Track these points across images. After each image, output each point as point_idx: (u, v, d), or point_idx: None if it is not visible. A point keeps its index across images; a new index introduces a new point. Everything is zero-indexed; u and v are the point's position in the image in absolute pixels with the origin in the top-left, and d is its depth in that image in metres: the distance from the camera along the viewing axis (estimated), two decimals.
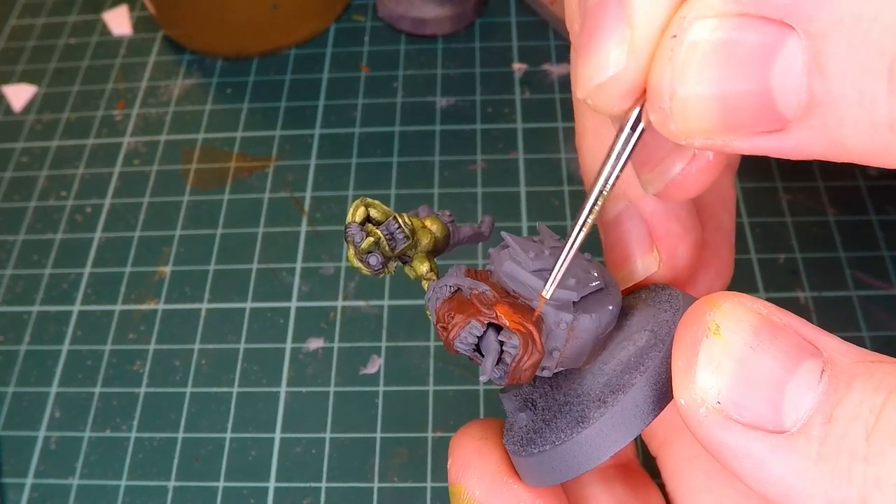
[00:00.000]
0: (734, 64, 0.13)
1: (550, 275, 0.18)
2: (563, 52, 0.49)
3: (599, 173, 0.17)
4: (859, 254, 0.39)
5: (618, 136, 0.16)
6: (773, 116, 0.13)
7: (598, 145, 0.21)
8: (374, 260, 0.20)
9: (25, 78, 0.51)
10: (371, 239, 0.20)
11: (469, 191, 0.43)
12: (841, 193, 0.41)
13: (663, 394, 0.17)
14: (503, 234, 0.20)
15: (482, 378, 0.18)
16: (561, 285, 0.18)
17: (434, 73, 0.48)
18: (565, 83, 0.47)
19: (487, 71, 0.48)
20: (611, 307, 0.19)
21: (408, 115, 0.47)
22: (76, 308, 0.41)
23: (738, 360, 0.15)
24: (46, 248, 0.43)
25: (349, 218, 0.20)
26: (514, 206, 0.42)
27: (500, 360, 0.18)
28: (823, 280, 0.38)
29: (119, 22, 0.54)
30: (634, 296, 0.21)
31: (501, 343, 0.18)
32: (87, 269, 0.42)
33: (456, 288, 0.19)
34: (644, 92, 0.15)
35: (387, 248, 0.20)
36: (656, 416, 0.17)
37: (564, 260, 0.18)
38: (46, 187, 0.46)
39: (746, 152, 0.14)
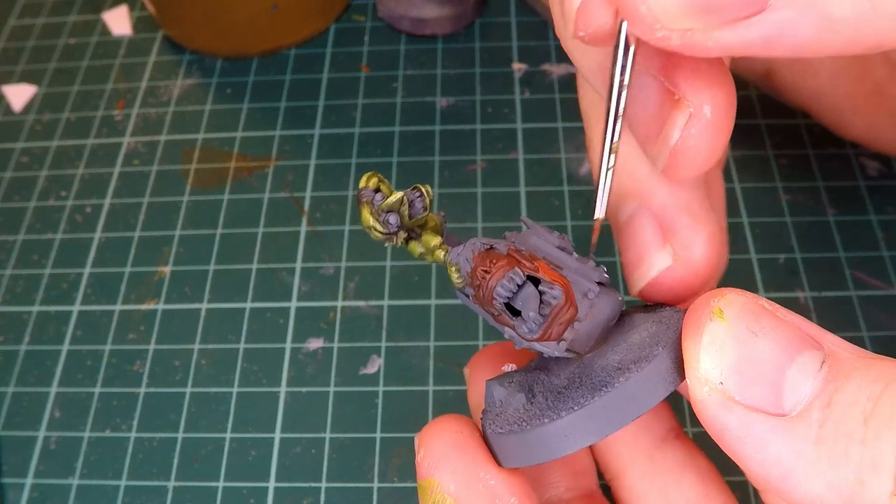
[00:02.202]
0: None
1: (571, 250, 0.19)
2: (563, 52, 0.49)
3: (609, 93, 0.16)
4: (859, 254, 0.39)
5: (615, 52, 0.16)
6: None
7: (587, 52, 0.21)
8: (393, 219, 0.20)
9: (25, 78, 0.51)
10: (400, 194, 0.19)
11: (469, 191, 0.43)
12: (841, 193, 0.41)
13: (680, 369, 0.18)
14: (523, 218, 0.21)
15: (521, 329, 0.18)
16: (581, 261, 0.19)
17: (434, 73, 0.48)
18: (565, 83, 0.47)
19: (487, 71, 0.48)
20: (618, 297, 0.20)
21: (408, 115, 0.47)
22: (76, 308, 0.41)
23: (740, 343, 0.16)
24: (46, 248, 0.43)
25: (362, 184, 0.20)
26: (514, 206, 0.42)
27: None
28: (823, 280, 0.38)
29: (119, 22, 0.54)
30: (631, 308, 0.22)
31: (541, 294, 0.18)
32: (87, 269, 0.42)
33: (489, 246, 0.19)
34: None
35: (406, 213, 0.20)
36: (676, 386, 0.17)
37: (605, 179, 0.18)
38: (46, 187, 0.46)
39: (730, 49, 0.14)
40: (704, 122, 0.17)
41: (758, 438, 0.15)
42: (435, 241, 0.21)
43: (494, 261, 0.19)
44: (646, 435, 0.22)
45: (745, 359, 0.16)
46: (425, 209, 0.20)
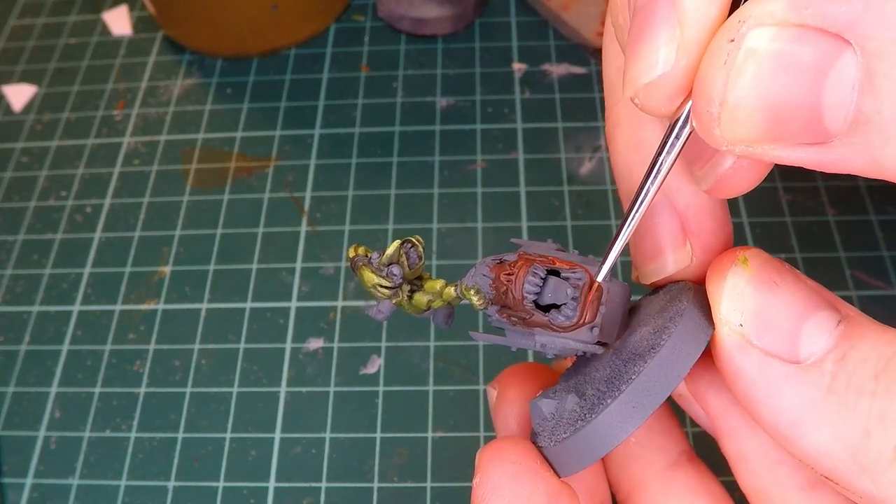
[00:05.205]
0: (789, 75, 0.13)
1: (569, 250, 0.20)
2: (563, 52, 0.49)
3: (648, 173, 0.17)
4: (859, 254, 0.39)
5: (667, 136, 0.16)
6: (819, 130, 0.13)
7: (633, 135, 0.21)
8: (396, 269, 0.20)
9: (25, 78, 0.51)
10: (396, 243, 0.20)
11: (469, 191, 0.43)
12: (841, 193, 0.41)
13: (709, 316, 0.18)
14: (513, 239, 0.21)
15: (558, 319, 0.19)
16: (581, 256, 0.20)
17: (434, 73, 0.48)
18: (565, 83, 0.47)
19: (487, 71, 0.48)
20: (624, 283, 0.20)
21: (408, 115, 0.47)
22: (76, 308, 0.41)
23: (761, 290, 0.17)
24: (46, 248, 0.43)
25: (351, 254, 0.20)
26: (514, 206, 0.42)
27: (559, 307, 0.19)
28: (823, 280, 0.38)
29: (119, 22, 0.54)
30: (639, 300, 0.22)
31: (566, 279, 0.19)
32: (87, 269, 0.42)
33: (499, 259, 0.20)
34: (690, 93, 0.15)
35: (405, 263, 0.20)
36: (711, 330, 0.18)
37: (616, 248, 0.18)
38: (46, 187, 0.46)
39: (784, 162, 0.15)
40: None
41: (771, 384, 0.16)
42: (439, 283, 0.21)
43: (513, 264, 0.20)
44: (660, 456, 0.22)
45: (766, 306, 0.16)
46: (420, 258, 0.20)
